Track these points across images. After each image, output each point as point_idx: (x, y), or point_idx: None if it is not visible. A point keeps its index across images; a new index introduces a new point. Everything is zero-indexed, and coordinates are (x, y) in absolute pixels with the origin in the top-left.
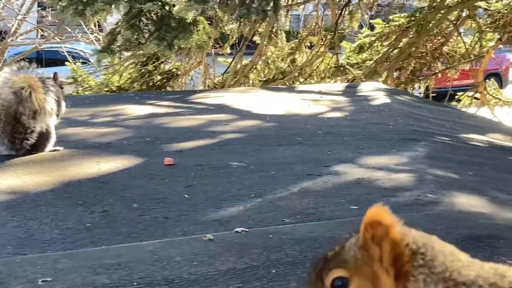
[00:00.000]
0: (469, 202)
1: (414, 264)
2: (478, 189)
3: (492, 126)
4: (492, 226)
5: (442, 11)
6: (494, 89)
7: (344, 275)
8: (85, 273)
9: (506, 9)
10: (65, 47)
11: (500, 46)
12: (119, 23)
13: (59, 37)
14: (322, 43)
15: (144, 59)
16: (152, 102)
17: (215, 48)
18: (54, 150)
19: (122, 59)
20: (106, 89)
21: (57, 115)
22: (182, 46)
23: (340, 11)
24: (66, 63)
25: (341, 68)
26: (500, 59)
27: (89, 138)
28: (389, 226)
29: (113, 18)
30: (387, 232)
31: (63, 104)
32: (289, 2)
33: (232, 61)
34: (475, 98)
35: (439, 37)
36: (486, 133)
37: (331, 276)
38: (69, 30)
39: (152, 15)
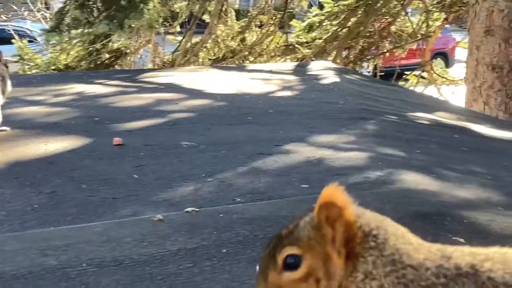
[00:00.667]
0: (416, 180)
1: (365, 246)
2: (425, 167)
3: (439, 105)
4: (438, 204)
5: None
6: (440, 68)
7: (297, 253)
8: (33, 255)
9: None
10: (11, 25)
11: (447, 25)
12: (67, 2)
13: (5, 15)
14: (272, 22)
15: (92, 37)
16: (101, 81)
17: (164, 27)
18: (0, 131)
19: (70, 38)
20: (53, 68)
21: (3, 94)
22: (133, 25)
23: None
24: (13, 41)
25: (291, 47)
26: (446, 38)
27: (36, 118)
28: (343, 207)
29: None
30: (340, 213)
31: (9, 83)
32: None
33: (182, 39)
34: (422, 77)
35: (387, 17)
36: (433, 111)
37: (284, 253)
38: (15, 8)
39: None
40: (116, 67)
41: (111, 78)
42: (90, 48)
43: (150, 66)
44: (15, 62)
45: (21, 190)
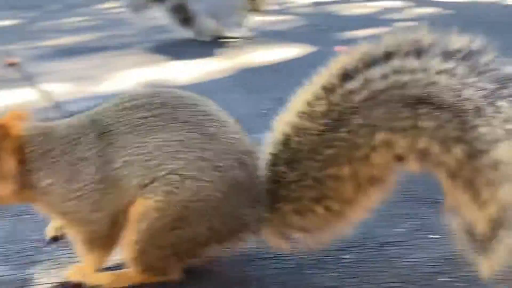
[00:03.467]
0: None
1: (31, 160)
2: None
3: None
4: None
5: None
6: None
7: None
8: None
9: None
10: None
11: None
12: None
13: None
14: None
15: None
16: None
17: None
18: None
19: None
20: None
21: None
22: None
23: None
24: None
25: None
26: None
27: (263, 26)
28: (9, 127)
29: None
30: (7, 132)
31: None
32: None
33: None
34: None
35: None
36: None
37: None
38: None
39: None
40: None
41: None
42: None
43: None
44: None
45: (249, 96)
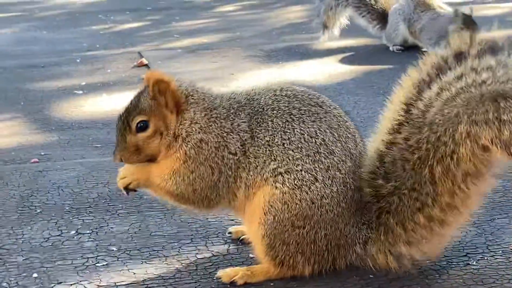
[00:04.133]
0: None
1: (188, 103)
2: None
3: None
4: None
5: None
6: None
7: (144, 119)
8: None
9: None
10: None
11: None
12: None
13: None
14: None
15: None
16: None
17: None
18: None
19: None
20: None
21: None
22: None
23: None
24: None
25: None
26: None
27: None
28: (168, 81)
29: None
30: (168, 86)
31: None
32: None
33: None
34: None
35: None
36: None
37: (135, 121)
38: None
39: None
40: None
41: None
42: None
43: None
44: None
45: (374, 99)
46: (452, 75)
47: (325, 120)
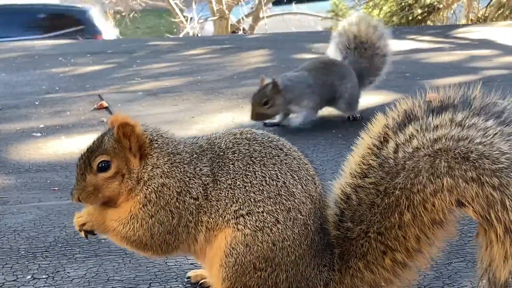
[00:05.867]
0: None
1: (152, 147)
2: None
3: None
4: None
5: None
6: None
7: (106, 159)
8: None
9: None
10: None
11: None
12: None
13: None
14: None
15: None
16: (412, 37)
17: None
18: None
19: None
20: None
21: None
22: None
23: None
24: None
25: None
26: None
27: None
28: (134, 125)
29: None
30: (133, 129)
31: None
32: None
33: None
34: None
35: None
36: None
37: (97, 160)
38: None
39: None
40: (428, 22)
41: (422, 34)
42: (402, 3)
43: (463, 21)
44: (331, 18)
45: (334, 142)
46: (418, 126)
47: (286, 163)
